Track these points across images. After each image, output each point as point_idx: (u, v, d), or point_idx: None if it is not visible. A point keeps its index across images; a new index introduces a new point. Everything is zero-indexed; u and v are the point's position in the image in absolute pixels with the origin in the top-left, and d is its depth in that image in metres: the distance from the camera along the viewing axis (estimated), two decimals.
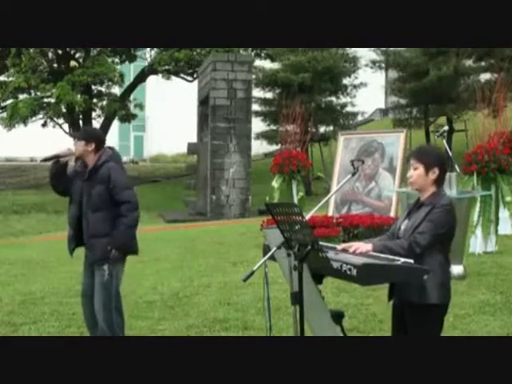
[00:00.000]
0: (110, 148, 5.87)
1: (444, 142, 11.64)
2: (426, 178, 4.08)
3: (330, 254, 3.85)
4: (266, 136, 25.78)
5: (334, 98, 26.13)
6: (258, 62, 26.17)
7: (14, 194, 29.01)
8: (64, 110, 27.61)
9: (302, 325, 3.83)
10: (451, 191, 8.09)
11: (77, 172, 5.83)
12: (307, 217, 4.06)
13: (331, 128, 25.68)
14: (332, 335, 4.07)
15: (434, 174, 4.08)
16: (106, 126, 28.47)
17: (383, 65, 27.11)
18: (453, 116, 24.63)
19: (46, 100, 27.71)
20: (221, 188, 19.37)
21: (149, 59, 29.96)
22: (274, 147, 26.65)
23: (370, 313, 6.97)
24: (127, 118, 30.42)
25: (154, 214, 21.34)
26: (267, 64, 27.52)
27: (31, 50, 26.09)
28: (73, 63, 28.90)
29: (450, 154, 11.62)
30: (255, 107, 24.43)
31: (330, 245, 4.21)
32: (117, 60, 29.91)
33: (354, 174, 4.69)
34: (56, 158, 5.80)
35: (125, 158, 34.71)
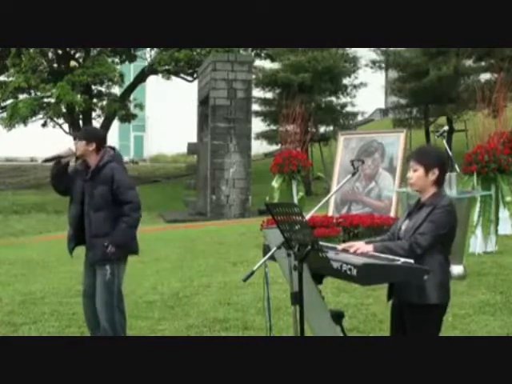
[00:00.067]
0: (112, 148, 5.86)
1: (444, 142, 11.62)
2: (425, 179, 4.08)
3: (330, 254, 3.86)
4: (266, 136, 25.77)
5: (333, 98, 26.12)
6: (257, 62, 26.16)
7: (14, 194, 28.99)
8: (64, 110, 27.60)
9: (301, 325, 3.83)
10: (451, 191, 8.09)
11: (77, 170, 5.81)
12: (307, 217, 4.06)
13: (331, 128, 25.67)
14: (332, 335, 4.07)
15: (433, 174, 4.07)
16: (106, 126, 28.44)
17: (383, 65, 27.09)
18: (453, 116, 24.61)
19: (46, 100, 27.69)
20: (221, 188, 19.37)
21: (149, 59, 29.94)
22: (274, 147, 26.65)
23: (370, 313, 6.97)
24: (127, 117, 30.42)
25: (154, 213, 21.32)
26: (267, 64, 27.51)
27: (31, 50, 26.07)
28: (73, 63, 28.89)
29: (450, 154, 11.60)
30: (255, 107, 24.42)
31: (330, 245, 4.21)
32: (117, 60, 29.89)
33: (354, 174, 4.69)
34: (57, 159, 5.78)
35: (125, 158, 34.57)
